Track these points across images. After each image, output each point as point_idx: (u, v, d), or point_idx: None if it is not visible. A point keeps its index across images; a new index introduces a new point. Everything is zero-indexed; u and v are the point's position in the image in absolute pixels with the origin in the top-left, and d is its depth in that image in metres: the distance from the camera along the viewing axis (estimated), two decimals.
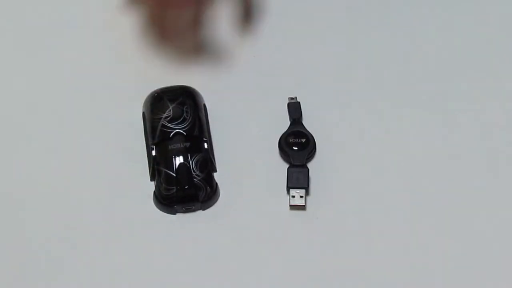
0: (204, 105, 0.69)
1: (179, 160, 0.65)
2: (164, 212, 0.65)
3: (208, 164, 0.66)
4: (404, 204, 0.65)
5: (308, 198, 0.65)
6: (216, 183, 0.66)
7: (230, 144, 0.69)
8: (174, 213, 0.65)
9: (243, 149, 0.68)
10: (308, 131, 0.68)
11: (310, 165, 0.66)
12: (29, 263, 0.63)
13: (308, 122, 0.69)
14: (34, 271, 0.63)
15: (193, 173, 0.65)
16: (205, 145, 0.67)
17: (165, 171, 0.65)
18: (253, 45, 0.74)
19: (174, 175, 0.65)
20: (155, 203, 0.66)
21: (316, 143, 0.67)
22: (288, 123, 0.69)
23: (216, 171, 0.67)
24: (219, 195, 0.66)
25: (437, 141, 0.68)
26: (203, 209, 0.65)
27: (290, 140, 0.67)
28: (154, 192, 0.66)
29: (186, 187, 0.64)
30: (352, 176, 0.66)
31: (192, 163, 0.65)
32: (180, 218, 0.65)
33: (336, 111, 0.70)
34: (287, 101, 0.70)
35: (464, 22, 0.75)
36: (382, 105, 0.70)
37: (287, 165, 0.66)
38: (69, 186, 0.66)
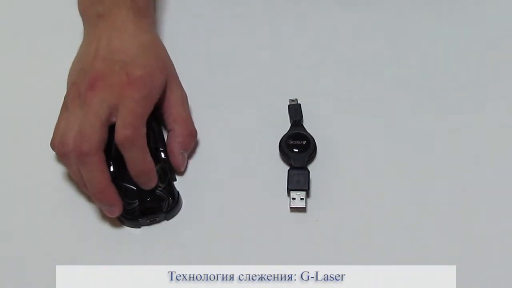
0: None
1: None
2: (129, 226, 0.64)
3: (167, 174, 0.65)
4: (405, 206, 0.65)
5: (309, 200, 0.65)
6: (178, 192, 0.65)
7: (231, 146, 0.68)
8: (138, 227, 0.64)
9: (244, 150, 0.68)
10: (308, 133, 0.68)
11: (310, 167, 0.66)
12: None
13: (309, 124, 0.69)
14: None
15: None
16: (162, 155, 0.66)
17: (125, 186, 0.64)
18: (254, 46, 0.74)
19: (135, 188, 0.64)
20: (118, 218, 0.64)
21: (317, 145, 0.67)
22: (289, 125, 0.69)
23: (175, 180, 0.66)
24: (181, 204, 0.65)
25: (438, 143, 0.68)
26: (167, 219, 0.65)
27: (291, 142, 0.67)
28: None
29: (148, 199, 0.64)
30: (352, 178, 0.66)
31: None
32: (145, 231, 0.64)
33: (336, 113, 0.70)
34: (288, 103, 0.70)
35: (465, 24, 0.75)
36: (382, 107, 0.70)
37: (287, 167, 0.66)
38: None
